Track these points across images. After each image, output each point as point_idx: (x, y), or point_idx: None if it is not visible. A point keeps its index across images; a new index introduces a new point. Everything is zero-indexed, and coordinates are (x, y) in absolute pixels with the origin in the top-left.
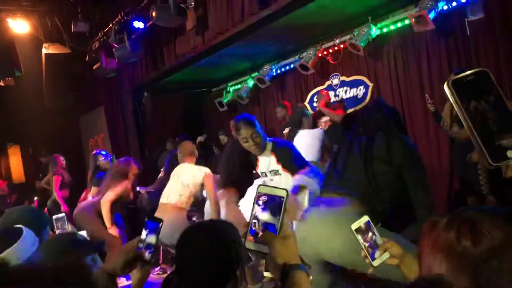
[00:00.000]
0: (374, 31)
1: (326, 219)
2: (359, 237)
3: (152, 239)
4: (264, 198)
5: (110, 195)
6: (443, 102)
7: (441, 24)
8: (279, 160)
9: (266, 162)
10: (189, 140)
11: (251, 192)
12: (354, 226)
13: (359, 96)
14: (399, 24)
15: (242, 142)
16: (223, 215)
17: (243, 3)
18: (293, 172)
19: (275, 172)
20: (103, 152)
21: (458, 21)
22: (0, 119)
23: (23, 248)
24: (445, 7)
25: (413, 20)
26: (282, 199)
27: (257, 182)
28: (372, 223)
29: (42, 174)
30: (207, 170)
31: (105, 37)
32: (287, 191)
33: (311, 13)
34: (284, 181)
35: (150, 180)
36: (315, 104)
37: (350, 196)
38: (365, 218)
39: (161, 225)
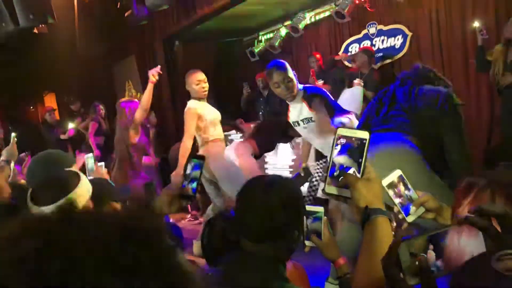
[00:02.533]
0: None
1: (390, 148)
2: (391, 192)
3: (196, 173)
4: (343, 140)
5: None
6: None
7: None
8: (311, 107)
9: (297, 110)
10: None
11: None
12: (385, 181)
13: (396, 46)
14: None
15: (274, 87)
16: (237, 164)
17: None
18: (330, 115)
19: (308, 120)
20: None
21: None
22: (35, 67)
23: (84, 191)
24: None
25: None
26: (364, 141)
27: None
28: (405, 177)
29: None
30: (188, 106)
31: None
32: (369, 132)
33: None
34: (318, 129)
35: None
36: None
37: (407, 132)
38: (398, 172)
39: (204, 162)
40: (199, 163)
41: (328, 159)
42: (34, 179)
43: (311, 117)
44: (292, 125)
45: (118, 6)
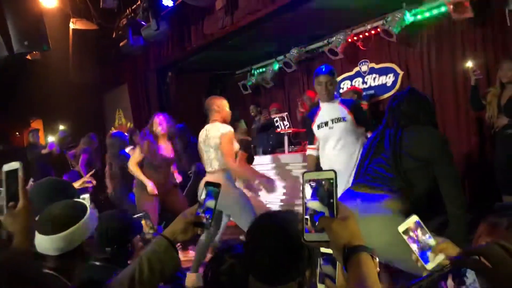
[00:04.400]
0: (408, 17)
1: (368, 216)
2: (406, 237)
3: (211, 203)
4: (312, 184)
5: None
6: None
7: (480, 12)
8: (351, 111)
9: (330, 109)
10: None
11: None
12: (401, 228)
13: (388, 84)
14: (434, 11)
15: (316, 84)
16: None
17: None
18: (367, 128)
19: (339, 120)
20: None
21: (498, 11)
22: (25, 93)
23: (88, 225)
24: None
25: (451, 7)
26: (331, 181)
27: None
28: (422, 222)
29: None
30: (224, 129)
31: (132, 14)
32: (334, 171)
33: None
34: (346, 127)
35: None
36: (342, 91)
37: (388, 192)
38: (414, 218)
39: (219, 190)
40: (213, 191)
41: (302, 207)
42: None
43: (344, 117)
44: (317, 128)
45: (114, 36)
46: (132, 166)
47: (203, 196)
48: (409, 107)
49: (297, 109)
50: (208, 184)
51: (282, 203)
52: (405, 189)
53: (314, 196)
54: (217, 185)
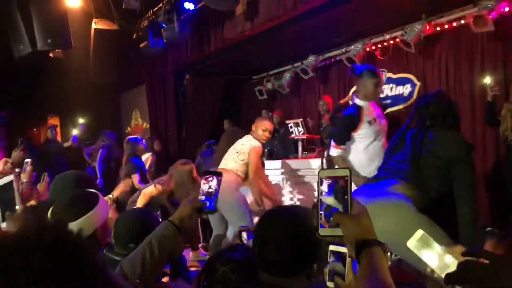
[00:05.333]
0: (427, 28)
1: (374, 200)
2: (418, 252)
3: (213, 189)
4: (328, 181)
5: (149, 189)
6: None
7: (500, 25)
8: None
9: (372, 110)
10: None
11: None
12: (409, 243)
13: (404, 95)
14: (454, 24)
15: (370, 84)
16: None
17: None
18: None
19: (380, 119)
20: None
21: None
22: (43, 90)
23: (100, 214)
24: (507, 9)
25: (472, 20)
26: (346, 178)
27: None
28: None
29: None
30: (255, 143)
31: (154, 16)
32: (349, 169)
33: (364, 7)
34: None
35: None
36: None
37: (397, 179)
38: (420, 232)
39: (221, 177)
40: (216, 178)
41: (318, 203)
42: (57, 198)
43: (381, 117)
44: (368, 123)
45: (134, 37)
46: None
47: (205, 182)
48: (437, 108)
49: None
50: (209, 172)
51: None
52: (417, 183)
53: (329, 192)
54: (219, 174)
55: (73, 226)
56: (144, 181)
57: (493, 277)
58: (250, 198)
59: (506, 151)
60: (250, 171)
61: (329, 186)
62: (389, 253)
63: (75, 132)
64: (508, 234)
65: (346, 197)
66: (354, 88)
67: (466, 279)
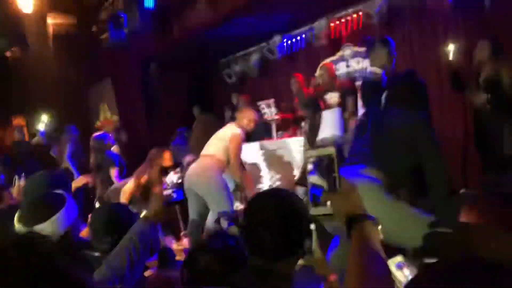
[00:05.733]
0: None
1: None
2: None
3: (176, 179)
4: (314, 160)
5: (129, 186)
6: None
7: None
8: None
9: None
10: None
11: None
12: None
13: None
14: None
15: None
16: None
17: None
18: None
19: None
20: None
21: None
22: (5, 91)
23: (67, 215)
24: None
25: None
26: (331, 156)
27: None
28: (405, 260)
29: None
30: (236, 131)
31: (113, 7)
32: (334, 147)
33: None
34: None
35: None
36: None
37: (365, 164)
38: (397, 258)
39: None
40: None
41: (306, 183)
42: (25, 200)
43: None
44: None
45: (94, 30)
46: None
47: (173, 174)
48: (403, 89)
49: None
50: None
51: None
52: (383, 167)
53: (315, 172)
54: (177, 166)
55: (40, 229)
56: (121, 175)
57: (457, 246)
58: (231, 186)
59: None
60: (231, 157)
61: (315, 165)
62: (379, 226)
63: (41, 127)
64: (479, 196)
65: (333, 174)
66: (322, 64)
67: (431, 252)
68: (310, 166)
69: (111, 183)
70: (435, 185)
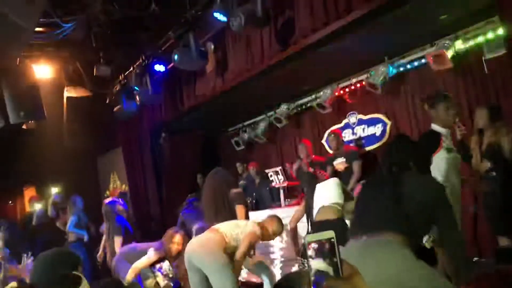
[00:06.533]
0: (391, 70)
1: (368, 250)
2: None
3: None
4: (315, 246)
5: (142, 262)
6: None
7: (459, 62)
8: None
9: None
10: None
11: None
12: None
13: (377, 134)
14: (416, 63)
15: (443, 108)
16: None
17: (263, 46)
18: None
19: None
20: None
21: (476, 60)
22: (18, 160)
23: None
24: (462, 46)
25: (431, 59)
26: (332, 240)
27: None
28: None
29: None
30: (256, 229)
31: (126, 80)
32: (333, 231)
33: (328, 54)
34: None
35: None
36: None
37: (389, 231)
38: (331, 233)
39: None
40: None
41: (308, 269)
42: (38, 280)
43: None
44: (446, 151)
45: (108, 101)
46: None
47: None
48: (398, 155)
49: (299, 161)
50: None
51: (283, 258)
52: (406, 232)
53: (317, 257)
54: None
55: None
56: (128, 241)
57: None
58: None
59: (482, 186)
60: (238, 253)
61: (316, 250)
62: None
63: (38, 206)
64: (492, 266)
65: (335, 259)
66: (328, 131)
67: None
68: (310, 252)
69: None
70: (452, 256)
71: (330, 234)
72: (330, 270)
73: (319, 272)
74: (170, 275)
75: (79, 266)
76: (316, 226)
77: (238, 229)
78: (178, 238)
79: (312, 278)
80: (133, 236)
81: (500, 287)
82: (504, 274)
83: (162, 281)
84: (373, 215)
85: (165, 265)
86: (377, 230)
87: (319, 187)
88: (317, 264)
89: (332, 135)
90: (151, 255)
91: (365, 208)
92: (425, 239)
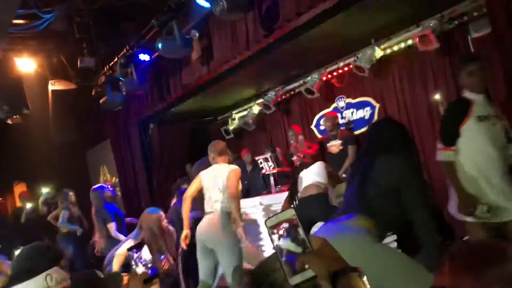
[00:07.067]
0: (378, 52)
1: (336, 237)
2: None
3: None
4: (279, 227)
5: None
6: None
7: (445, 42)
8: None
9: (487, 103)
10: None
11: None
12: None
13: (366, 117)
14: (402, 45)
15: (468, 75)
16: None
17: (248, 32)
18: None
19: (496, 118)
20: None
21: (462, 39)
22: (6, 157)
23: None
24: (448, 26)
25: (417, 40)
26: (294, 217)
27: None
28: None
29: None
30: (233, 167)
31: (111, 71)
32: (293, 209)
33: (314, 38)
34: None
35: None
36: (321, 128)
37: (352, 212)
38: (292, 212)
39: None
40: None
41: (277, 253)
42: (18, 273)
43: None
44: (477, 119)
45: (93, 93)
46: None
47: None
48: (382, 134)
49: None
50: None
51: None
52: (367, 214)
53: (284, 238)
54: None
55: None
56: (121, 229)
57: None
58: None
59: None
60: (230, 193)
61: (282, 231)
62: (365, 277)
63: (29, 205)
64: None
65: (301, 236)
66: (317, 116)
67: None
68: (275, 236)
69: (111, 237)
70: (421, 235)
71: (290, 212)
72: (299, 249)
73: (289, 252)
74: (149, 265)
75: (60, 260)
76: (301, 203)
77: (223, 193)
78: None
79: (283, 259)
80: (123, 220)
81: (474, 261)
82: (476, 248)
83: (140, 270)
84: (346, 198)
85: (144, 254)
86: (346, 213)
87: (305, 171)
88: (286, 245)
89: (329, 116)
90: (130, 240)
91: (345, 191)
92: (478, 209)
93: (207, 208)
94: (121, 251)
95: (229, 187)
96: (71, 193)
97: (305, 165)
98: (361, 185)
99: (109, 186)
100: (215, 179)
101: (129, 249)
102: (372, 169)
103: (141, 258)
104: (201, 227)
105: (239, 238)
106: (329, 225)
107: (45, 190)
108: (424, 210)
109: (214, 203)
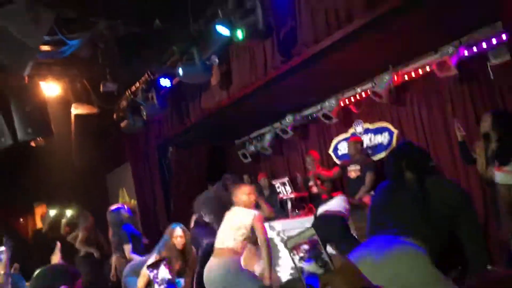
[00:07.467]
0: (395, 78)
1: (391, 253)
2: (294, 256)
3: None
4: (300, 248)
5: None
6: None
7: (464, 69)
8: None
9: None
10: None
11: None
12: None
13: (384, 143)
14: (420, 71)
15: None
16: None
17: (266, 58)
18: None
19: None
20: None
21: (481, 66)
22: (28, 178)
23: None
24: (466, 53)
25: (435, 66)
26: (314, 237)
27: None
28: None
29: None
30: (254, 212)
31: (132, 96)
32: (313, 227)
33: (331, 64)
34: None
35: None
36: (339, 153)
37: (403, 232)
38: (312, 231)
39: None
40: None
41: (299, 274)
42: None
43: None
44: None
45: (115, 117)
46: None
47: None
48: (414, 157)
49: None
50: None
51: (292, 271)
52: (430, 236)
53: (306, 259)
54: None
55: None
56: (138, 248)
57: None
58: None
59: (491, 192)
60: (261, 240)
61: (303, 253)
62: None
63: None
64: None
65: (322, 256)
66: (334, 142)
67: None
68: (296, 257)
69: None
70: (475, 254)
71: (310, 231)
72: (321, 269)
73: (310, 274)
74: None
75: (75, 281)
76: (318, 220)
77: (241, 230)
78: (178, 231)
79: (305, 281)
80: (141, 241)
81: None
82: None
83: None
84: (395, 220)
85: (161, 273)
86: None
87: (323, 206)
88: (307, 266)
89: (353, 141)
90: (152, 257)
91: (385, 213)
92: None
93: (217, 244)
94: (144, 271)
95: (258, 234)
96: (89, 215)
97: (322, 201)
98: (422, 206)
99: (126, 207)
100: (233, 219)
101: (148, 267)
102: (429, 189)
103: (157, 277)
104: (210, 266)
105: (248, 274)
106: (381, 237)
107: (68, 212)
108: (480, 230)
109: (225, 239)
